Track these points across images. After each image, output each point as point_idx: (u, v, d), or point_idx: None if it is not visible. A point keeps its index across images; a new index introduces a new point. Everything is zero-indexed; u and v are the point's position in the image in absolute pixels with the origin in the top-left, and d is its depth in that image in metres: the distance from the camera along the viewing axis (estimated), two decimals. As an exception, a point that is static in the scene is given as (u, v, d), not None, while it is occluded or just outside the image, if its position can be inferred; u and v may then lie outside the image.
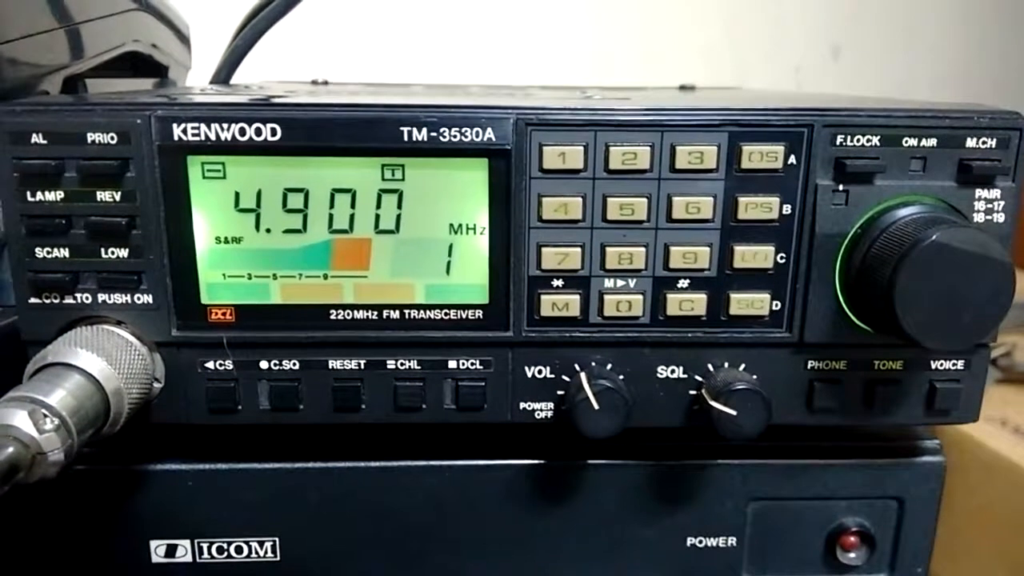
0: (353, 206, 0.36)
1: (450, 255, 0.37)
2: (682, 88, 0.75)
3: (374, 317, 0.37)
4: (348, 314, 0.37)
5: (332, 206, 0.36)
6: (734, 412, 0.35)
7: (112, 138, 0.35)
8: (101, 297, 0.36)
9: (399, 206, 0.36)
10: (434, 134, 0.35)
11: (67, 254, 0.36)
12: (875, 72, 1.47)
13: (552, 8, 1.30)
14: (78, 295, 0.36)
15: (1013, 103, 0.36)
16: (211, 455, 0.40)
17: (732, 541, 0.42)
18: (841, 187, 0.36)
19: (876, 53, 1.47)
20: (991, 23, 1.51)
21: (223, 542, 0.41)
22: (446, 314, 0.37)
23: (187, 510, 0.40)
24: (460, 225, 0.36)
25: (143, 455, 0.40)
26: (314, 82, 0.73)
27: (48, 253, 0.36)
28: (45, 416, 0.31)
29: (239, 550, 0.41)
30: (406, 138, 0.35)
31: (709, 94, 0.61)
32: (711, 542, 0.42)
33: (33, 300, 0.36)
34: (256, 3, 0.69)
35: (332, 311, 0.37)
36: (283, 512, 0.41)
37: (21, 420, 0.30)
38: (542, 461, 0.40)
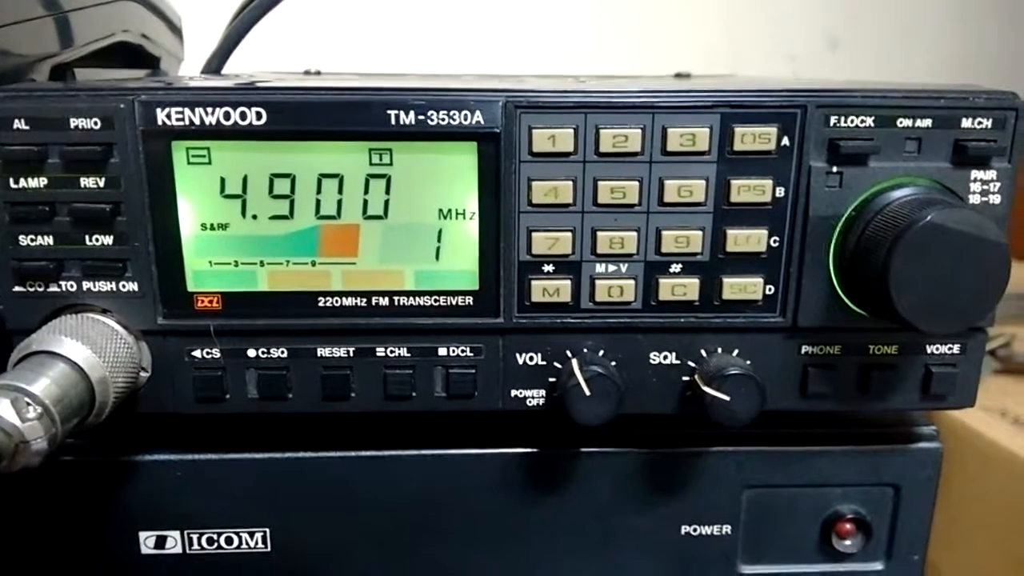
0: (340, 191, 0.36)
1: (439, 241, 0.36)
2: (677, 76, 0.74)
3: (363, 304, 0.37)
4: (337, 301, 0.37)
5: (319, 192, 0.36)
6: (727, 398, 0.35)
7: (95, 123, 0.34)
8: (86, 285, 0.36)
9: (387, 191, 0.36)
10: (422, 117, 0.35)
11: (51, 241, 0.35)
12: (873, 65, 1.46)
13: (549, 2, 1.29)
14: (63, 283, 0.36)
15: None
16: (200, 445, 0.40)
17: (727, 529, 0.42)
18: (835, 169, 0.35)
19: (873, 46, 1.47)
20: (989, 15, 1.51)
21: (213, 533, 0.40)
22: (436, 300, 0.37)
23: (176, 501, 0.40)
24: (449, 210, 0.36)
25: (131, 446, 0.40)
26: (306, 72, 0.73)
27: (32, 240, 0.35)
28: (28, 404, 0.30)
29: (229, 541, 0.41)
30: (393, 122, 0.35)
31: (703, 81, 0.60)
32: (706, 530, 0.41)
33: (17, 288, 0.36)
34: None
35: (320, 298, 0.37)
36: (274, 502, 0.40)
37: (4, 408, 0.29)
38: (535, 449, 0.40)
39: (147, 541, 0.41)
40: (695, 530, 0.41)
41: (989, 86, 0.36)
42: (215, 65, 0.67)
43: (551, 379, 0.37)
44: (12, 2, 0.44)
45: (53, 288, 0.36)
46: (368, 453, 0.40)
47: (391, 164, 0.35)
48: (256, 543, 0.41)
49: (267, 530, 0.41)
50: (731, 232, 0.36)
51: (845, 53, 1.46)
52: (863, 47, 1.47)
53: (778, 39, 1.42)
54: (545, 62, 1.27)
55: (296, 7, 0.70)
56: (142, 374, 0.37)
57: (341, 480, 0.40)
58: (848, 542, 0.41)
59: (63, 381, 0.32)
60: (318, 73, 0.73)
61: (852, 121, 0.35)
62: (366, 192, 0.36)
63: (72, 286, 0.36)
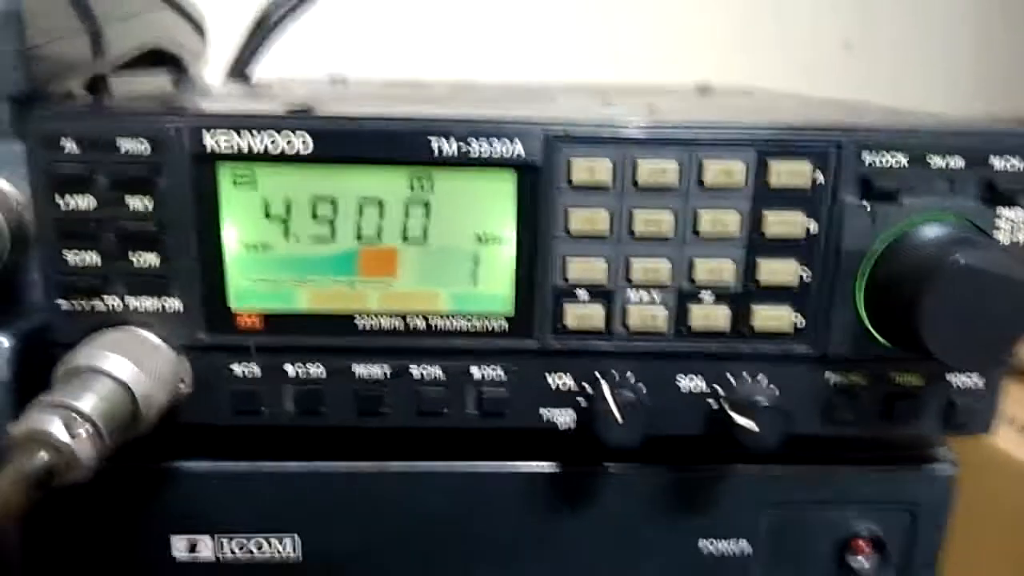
0: (381, 216, 0.37)
1: (476, 265, 0.37)
2: (699, 89, 0.75)
3: (399, 325, 0.38)
4: (374, 321, 0.38)
5: (360, 215, 0.37)
6: (755, 426, 0.36)
7: (144, 146, 0.35)
8: (130, 302, 0.37)
9: (426, 216, 0.37)
10: (463, 146, 0.35)
11: (97, 259, 0.36)
12: (888, 66, 1.46)
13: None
14: (107, 299, 0.36)
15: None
16: (235, 454, 0.41)
17: (744, 546, 0.42)
18: (867, 205, 0.36)
19: (889, 47, 1.47)
20: (1003, 18, 1.51)
21: (244, 539, 0.41)
22: (471, 323, 0.38)
23: (209, 507, 0.41)
24: (486, 236, 0.37)
25: (165, 453, 0.40)
26: (332, 79, 0.73)
27: (78, 257, 0.36)
28: (78, 422, 0.31)
29: (260, 547, 0.42)
30: (435, 150, 0.35)
31: (728, 100, 0.61)
32: (724, 546, 0.42)
33: (62, 303, 0.37)
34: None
35: (358, 318, 0.38)
36: (305, 511, 0.41)
37: (56, 427, 0.30)
38: (559, 465, 0.41)
39: (179, 545, 0.42)
40: (713, 546, 0.42)
41: (1003, 87, 0.37)
42: (242, 70, 0.68)
43: (581, 401, 0.38)
44: (55, 17, 0.45)
45: (98, 304, 0.37)
46: (399, 465, 0.41)
47: (431, 191, 0.36)
48: (287, 550, 0.42)
49: (298, 537, 0.41)
50: (763, 264, 0.36)
51: (859, 56, 1.46)
52: (878, 46, 1.47)
53: (790, 32, 1.43)
54: (560, 63, 1.28)
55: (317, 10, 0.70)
56: (183, 388, 0.38)
57: (371, 491, 0.41)
58: (864, 561, 0.42)
59: (110, 397, 0.33)
60: (344, 80, 0.73)
61: (885, 158, 0.36)
62: (406, 216, 0.37)
63: (117, 302, 0.37)
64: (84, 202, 0.35)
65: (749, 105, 0.55)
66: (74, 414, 0.31)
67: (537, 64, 1.24)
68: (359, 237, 0.37)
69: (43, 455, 0.30)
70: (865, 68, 1.46)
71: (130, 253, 0.36)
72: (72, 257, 0.36)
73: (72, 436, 0.31)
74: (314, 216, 0.37)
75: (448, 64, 1.14)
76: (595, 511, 0.41)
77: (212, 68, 0.78)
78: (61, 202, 0.35)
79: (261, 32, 0.68)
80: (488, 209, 0.37)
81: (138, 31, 0.59)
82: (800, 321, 0.37)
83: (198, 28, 0.76)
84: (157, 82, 0.66)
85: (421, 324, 0.38)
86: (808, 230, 0.36)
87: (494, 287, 0.37)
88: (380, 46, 1.19)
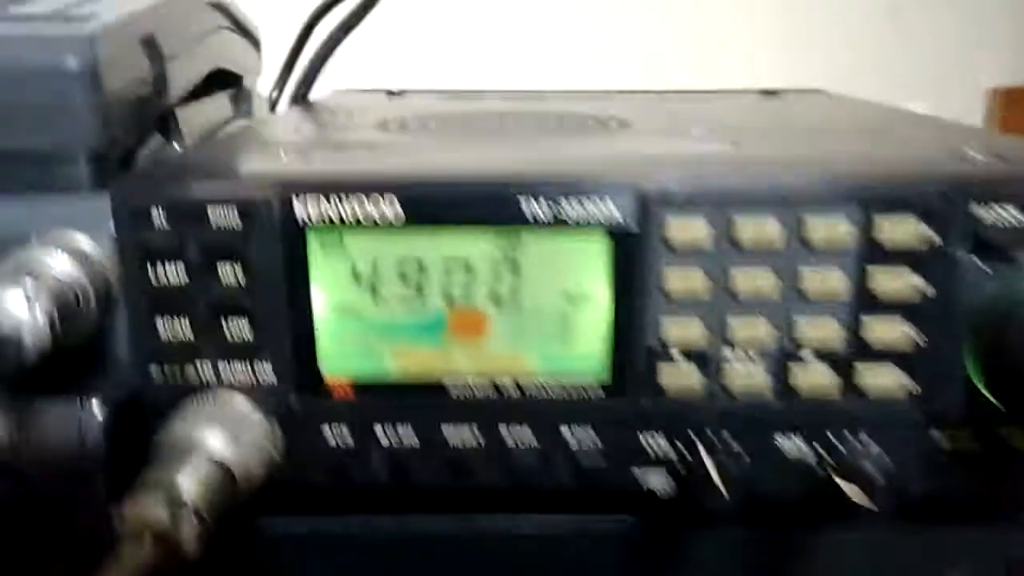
0: (469, 277, 0.36)
1: (567, 327, 0.36)
2: (764, 93, 0.73)
3: (490, 388, 0.37)
4: (464, 384, 0.37)
5: (448, 277, 0.36)
6: (864, 494, 0.34)
7: (232, 213, 0.35)
8: (222, 370, 0.36)
9: (516, 277, 0.36)
10: (554, 207, 0.34)
11: (188, 327, 0.36)
12: (933, 34, 1.43)
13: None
14: (199, 368, 0.36)
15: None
16: (321, 509, 0.41)
17: (842, 601, 0.42)
18: (981, 263, 0.34)
19: (934, 14, 1.43)
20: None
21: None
22: (563, 386, 0.37)
23: (294, 562, 0.41)
24: (579, 297, 0.36)
25: (253, 509, 0.40)
26: (390, 93, 0.72)
27: (168, 326, 0.36)
28: (185, 510, 0.31)
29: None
30: (526, 211, 0.34)
31: (802, 113, 0.59)
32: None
33: (154, 372, 0.36)
34: (319, 6, 0.68)
35: (448, 382, 0.37)
36: (390, 566, 0.41)
37: (163, 516, 0.30)
38: (651, 524, 0.40)
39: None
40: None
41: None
42: (302, 93, 0.67)
43: (679, 466, 0.37)
44: (128, 63, 0.44)
45: (190, 373, 0.36)
46: (485, 519, 0.41)
47: (521, 252, 0.35)
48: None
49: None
50: (869, 325, 0.35)
51: (906, 23, 1.43)
52: (923, 17, 1.43)
53: (838, 6, 1.40)
54: (598, 48, 1.25)
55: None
56: (277, 457, 0.37)
57: (459, 546, 0.41)
58: (966, 617, 0.41)
59: (212, 478, 0.33)
60: (401, 93, 0.72)
61: (999, 212, 0.34)
62: (495, 278, 0.36)
63: (208, 371, 0.36)
64: (175, 272, 0.35)
65: (829, 126, 0.53)
66: (180, 502, 0.31)
67: (571, 62, 1.23)
68: (447, 299, 0.36)
69: (153, 547, 0.30)
70: (910, 35, 1.43)
71: (221, 321, 0.36)
72: (163, 327, 0.36)
73: (178, 525, 0.31)
74: (402, 279, 0.36)
75: (483, 69, 1.13)
76: (690, 571, 0.41)
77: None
78: (152, 273, 0.35)
79: (319, 53, 0.67)
80: (579, 269, 0.36)
81: (201, 58, 0.58)
82: (909, 384, 0.35)
83: (255, 43, 0.75)
84: (219, 106, 0.65)
85: (512, 387, 0.37)
86: (917, 288, 0.34)
87: (586, 349, 0.36)
88: (416, 49, 1.18)
